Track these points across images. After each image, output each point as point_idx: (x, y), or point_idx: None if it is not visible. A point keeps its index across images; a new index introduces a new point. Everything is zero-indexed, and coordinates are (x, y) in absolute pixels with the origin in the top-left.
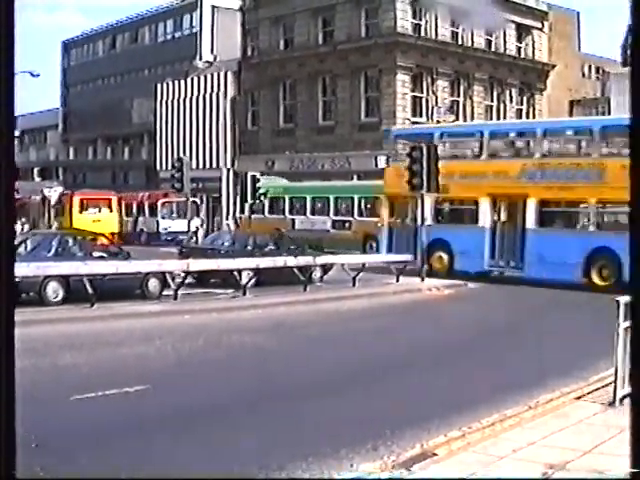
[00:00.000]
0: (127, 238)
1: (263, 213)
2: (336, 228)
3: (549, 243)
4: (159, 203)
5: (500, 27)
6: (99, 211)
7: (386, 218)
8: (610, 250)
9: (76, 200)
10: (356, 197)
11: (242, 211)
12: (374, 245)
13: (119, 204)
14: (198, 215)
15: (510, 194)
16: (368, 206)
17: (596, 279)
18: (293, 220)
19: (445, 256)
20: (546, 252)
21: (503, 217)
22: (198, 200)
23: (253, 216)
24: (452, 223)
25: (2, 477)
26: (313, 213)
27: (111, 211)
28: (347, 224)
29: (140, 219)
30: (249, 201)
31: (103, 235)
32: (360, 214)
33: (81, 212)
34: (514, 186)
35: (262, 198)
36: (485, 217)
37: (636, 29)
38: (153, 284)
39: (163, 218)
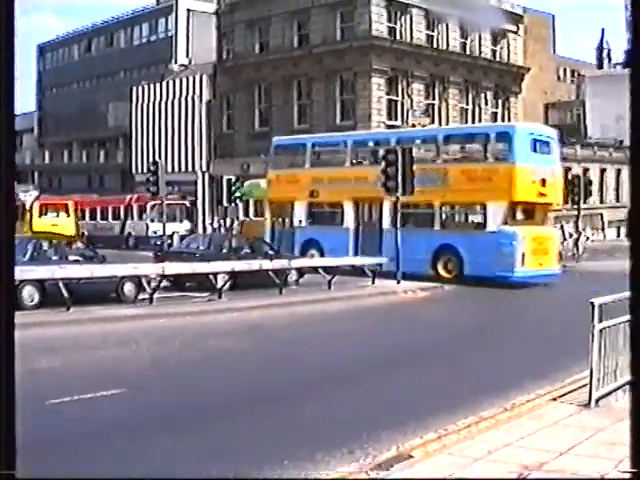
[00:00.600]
0: (114, 242)
1: (247, 216)
2: None
3: (402, 241)
4: (148, 206)
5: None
6: (57, 215)
7: (269, 220)
8: (453, 247)
9: (36, 205)
10: None
11: (246, 214)
12: None
13: (104, 207)
14: (190, 219)
15: (370, 198)
16: None
17: (442, 272)
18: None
19: (317, 253)
20: (400, 249)
21: (365, 218)
22: (188, 203)
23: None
24: (322, 224)
25: (2, 477)
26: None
27: (68, 216)
28: None
29: (128, 222)
30: (224, 204)
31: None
32: None
33: (40, 217)
34: (373, 191)
35: (238, 201)
36: (349, 218)
37: (636, 29)
38: (129, 288)
39: (152, 221)
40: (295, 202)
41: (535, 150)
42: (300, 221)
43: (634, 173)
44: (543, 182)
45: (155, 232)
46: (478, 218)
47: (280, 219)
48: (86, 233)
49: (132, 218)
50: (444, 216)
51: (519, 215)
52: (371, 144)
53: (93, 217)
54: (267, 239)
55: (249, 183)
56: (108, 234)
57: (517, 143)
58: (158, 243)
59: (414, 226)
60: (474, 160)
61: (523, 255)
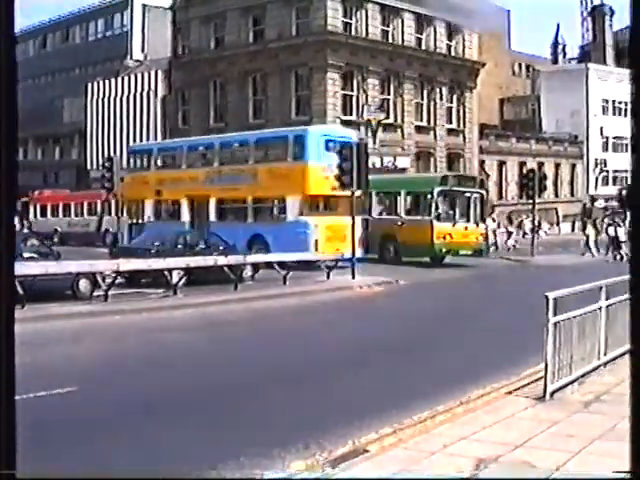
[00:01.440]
0: (89, 239)
1: None
2: None
3: (225, 232)
4: None
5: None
6: None
7: (126, 216)
8: (262, 236)
9: None
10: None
11: None
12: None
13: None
14: None
15: (199, 195)
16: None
17: None
18: None
19: None
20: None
21: (197, 213)
22: None
23: None
24: (165, 219)
25: (2, 477)
26: None
27: None
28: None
29: (106, 218)
30: None
31: None
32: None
33: None
34: (202, 189)
35: None
36: (185, 213)
37: (636, 29)
38: (84, 285)
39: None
40: (145, 201)
41: (328, 149)
42: (149, 217)
43: (634, 171)
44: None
45: None
46: (281, 210)
47: (135, 216)
48: (59, 229)
49: (110, 214)
50: (255, 210)
51: (319, 207)
52: (201, 148)
53: (67, 213)
54: (125, 234)
55: None
56: (83, 231)
57: (310, 144)
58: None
59: (233, 219)
60: (277, 160)
61: (316, 241)
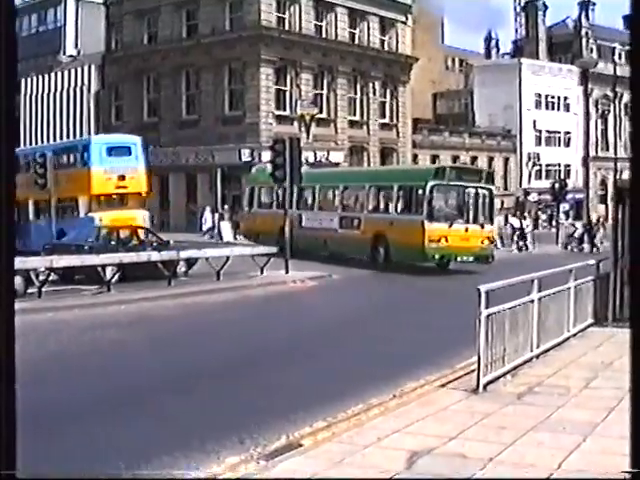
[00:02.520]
0: None
1: (251, 206)
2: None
3: (40, 229)
4: None
5: None
6: None
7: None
8: (65, 231)
9: None
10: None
11: (250, 204)
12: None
13: None
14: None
15: (25, 198)
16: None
17: None
18: (300, 216)
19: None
20: (38, 236)
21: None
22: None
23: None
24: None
25: (2, 477)
26: (321, 208)
27: None
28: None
29: None
30: None
31: None
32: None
33: None
34: (23, 193)
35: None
36: (31, 213)
37: (636, 29)
38: (17, 281)
39: None
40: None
41: (111, 155)
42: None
43: (635, 170)
44: (122, 177)
45: None
46: (75, 209)
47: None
48: None
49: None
50: (58, 209)
51: (107, 203)
52: (30, 157)
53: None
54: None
55: (257, 168)
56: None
57: (93, 152)
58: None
59: (44, 218)
60: (70, 166)
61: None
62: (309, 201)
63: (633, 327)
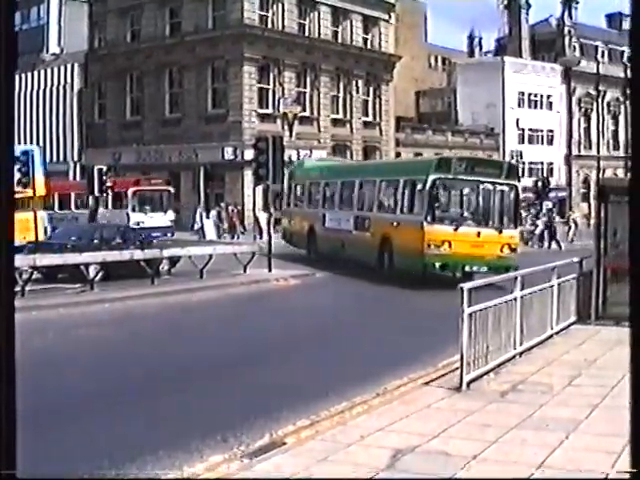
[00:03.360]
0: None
1: (294, 205)
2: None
3: None
4: (129, 192)
5: None
6: None
7: None
8: None
9: None
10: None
11: (287, 203)
12: None
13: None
14: (171, 207)
15: None
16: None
17: None
18: (324, 216)
19: None
20: None
21: None
22: (172, 189)
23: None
24: None
25: (2, 477)
26: (341, 206)
27: None
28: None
29: (101, 211)
30: (96, 194)
31: None
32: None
33: None
34: None
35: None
36: None
37: (636, 29)
38: None
39: (134, 211)
40: None
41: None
42: None
43: (635, 170)
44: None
45: (138, 224)
46: None
47: None
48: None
49: (107, 207)
50: None
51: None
52: None
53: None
54: None
55: (304, 161)
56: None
57: None
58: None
59: None
60: None
61: None
62: (332, 198)
63: (633, 326)
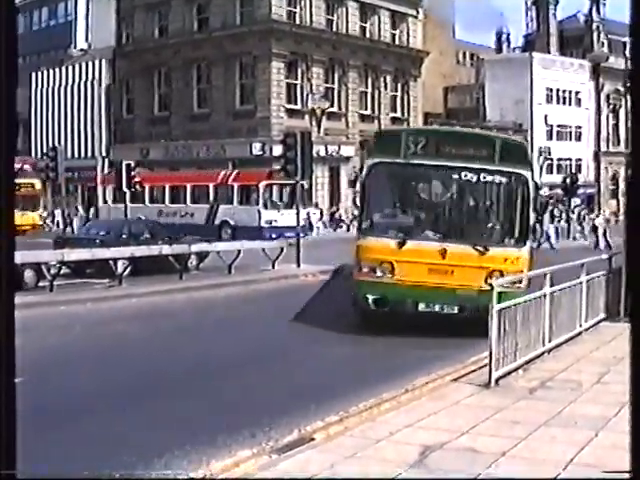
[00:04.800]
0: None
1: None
2: None
3: None
4: (260, 186)
5: None
6: None
7: None
8: None
9: None
10: None
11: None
12: None
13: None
14: (311, 203)
15: None
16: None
17: None
18: None
19: None
20: None
21: None
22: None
23: None
24: None
25: (2, 477)
26: None
27: None
28: None
29: (222, 207)
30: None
31: None
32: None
33: None
34: None
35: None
36: None
37: (636, 29)
38: (29, 275)
39: (266, 208)
40: None
41: None
42: None
43: (634, 170)
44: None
45: (270, 222)
46: None
47: None
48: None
49: (231, 202)
50: None
51: None
52: None
53: (155, 199)
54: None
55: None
56: (184, 222)
57: None
58: (274, 236)
59: None
60: None
61: None
62: None
63: (633, 326)
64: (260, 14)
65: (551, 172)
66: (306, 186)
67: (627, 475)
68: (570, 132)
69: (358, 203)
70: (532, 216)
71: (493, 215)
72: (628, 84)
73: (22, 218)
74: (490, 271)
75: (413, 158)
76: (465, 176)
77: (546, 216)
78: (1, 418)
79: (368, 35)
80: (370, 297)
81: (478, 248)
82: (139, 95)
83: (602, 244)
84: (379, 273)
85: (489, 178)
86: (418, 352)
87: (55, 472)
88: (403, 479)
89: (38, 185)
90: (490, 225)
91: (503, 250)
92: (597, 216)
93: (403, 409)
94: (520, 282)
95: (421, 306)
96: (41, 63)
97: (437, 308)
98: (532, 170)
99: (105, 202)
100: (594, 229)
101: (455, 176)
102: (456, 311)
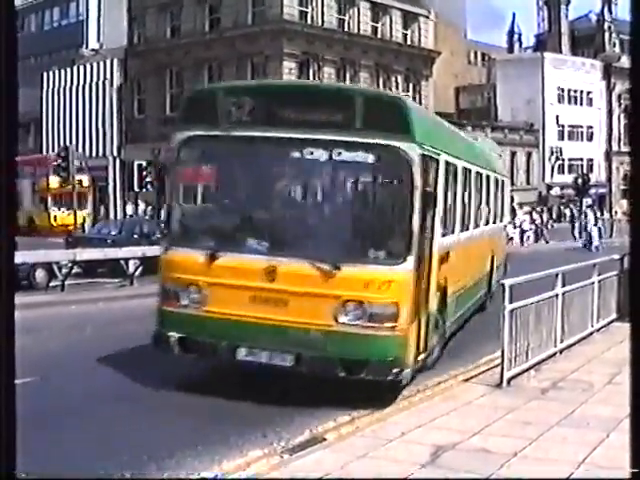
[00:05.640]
0: None
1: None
2: None
3: None
4: None
5: None
6: None
7: None
8: None
9: None
10: None
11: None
12: None
13: None
14: None
15: None
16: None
17: None
18: None
19: None
20: None
21: None
22: None
23: None
24: None
25: (2, 477)
26: None
27: None
28: None
29: None
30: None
31: None
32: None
33: None
34: None
35: (149, 186)
36: None
37: (636, 29)
38: (40, 275)
39: None
40: None
41: None
42: None
43: (634, 171)
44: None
45: None
46: None
47: None
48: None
49: None
50: None
51: None
52: None
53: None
54: None
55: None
56: None
57: None
58: None
59: None
60: None
61: None
62: None
63: (633, 326)
64: (272, 14)
65: (563, 172)
66: None
67: (627, 475)
68: (582, 132)
69: (166, 200)
70: (417, 217)
71: (350, 214)
72: None
73: (67, 218)
74: (343, 301)
75: (234, 129)
76: (309, 154)
77: (590, 216)
78: (1, 418)
79: (380, 35)
80: (173, 336)
81: (322, 266)
82: (150, 95)
83: (596, 244)
84: (184, 301)
85: (346, 156)
86: None
87: (55, 472)
88: (415, 479)
89: (86, 182)
90: (347, 230)
91: (364, 269)
92: (586, 216)
93: (415, 409)
94: (394, 319)
95: (241, 353)
96: (52, 63)
97: (264, 357)
98: (422, 142)
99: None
100: (585, 228)
101: (294, 154)
102: (288, 363)
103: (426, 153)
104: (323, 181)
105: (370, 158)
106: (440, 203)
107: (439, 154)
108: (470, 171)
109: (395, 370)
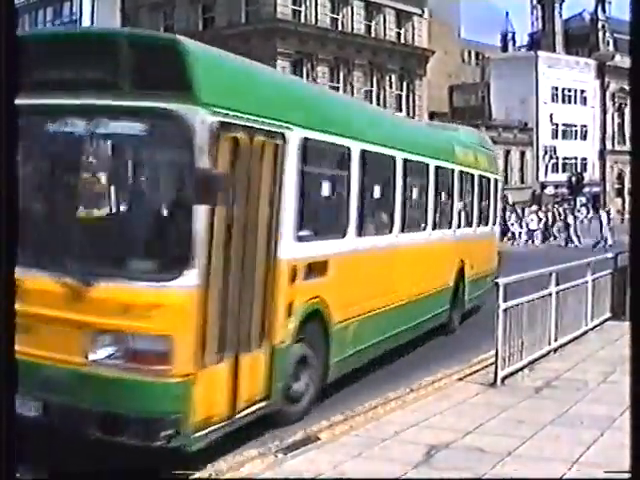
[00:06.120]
0: None
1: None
2: None
3: None
4: None
5: None
6: None
7: None
8: None
9: None
10: None
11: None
12: None
13: None
14: None
15: None
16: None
17: None
18: None
19: None
20: None
21: None
22: None
23: None
24: None
25: (2, 477)
26: None
27: None
28: None
29: None
30: None
31: None
32: None
33: None
34: None
35: None
36: None
37: (636, 29)
38: None
39: None
40: None
41: None
42: None
43: (634, 172)
44: None
45: None
46: None
47: None
48: None
49: None
50: None
51: None
52: None
53: None
54: None
55: None
56: None
57: None
58: None
59: None
60: None
61: None
62: None
63: (633, 326)
64: (265, 13)
65: (556, 171)
66: None
67: (627, 475)
68: (575, 131)
69: None
70: (203, 214)
71: (110, 209)
72: None
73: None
74: (95, 331)
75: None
76: (63, 125)
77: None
78: (1, 419)
79: (373, 34)
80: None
81: (67, 281)
82: None
83: (575, 241)
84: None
85: (107, 127)
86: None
87: (55, 472)
88: (409, 479)
89: (103, 179)
90: (104, 231)
91: (124, 286)
92: (566, 215)
93: (409, 408)
94: (166, 359)
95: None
96: None
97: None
98: (219, 104)
99: None
100: (566, 227)
101: (49, 126)
102: (33, 412)
103: (232, 121)
104: (78, 164)
105: (138, 128)
106: (291, 195)
107: (288, 127)
108: (394, 159)
109: (165, 433)
